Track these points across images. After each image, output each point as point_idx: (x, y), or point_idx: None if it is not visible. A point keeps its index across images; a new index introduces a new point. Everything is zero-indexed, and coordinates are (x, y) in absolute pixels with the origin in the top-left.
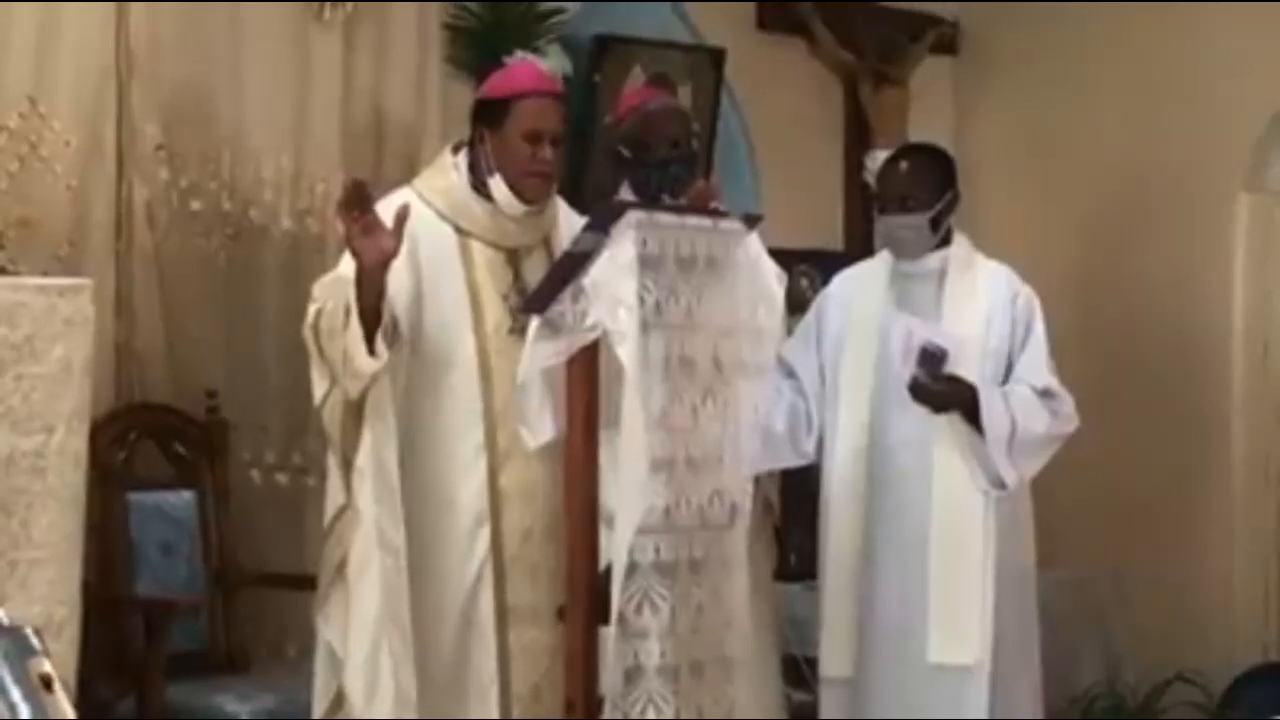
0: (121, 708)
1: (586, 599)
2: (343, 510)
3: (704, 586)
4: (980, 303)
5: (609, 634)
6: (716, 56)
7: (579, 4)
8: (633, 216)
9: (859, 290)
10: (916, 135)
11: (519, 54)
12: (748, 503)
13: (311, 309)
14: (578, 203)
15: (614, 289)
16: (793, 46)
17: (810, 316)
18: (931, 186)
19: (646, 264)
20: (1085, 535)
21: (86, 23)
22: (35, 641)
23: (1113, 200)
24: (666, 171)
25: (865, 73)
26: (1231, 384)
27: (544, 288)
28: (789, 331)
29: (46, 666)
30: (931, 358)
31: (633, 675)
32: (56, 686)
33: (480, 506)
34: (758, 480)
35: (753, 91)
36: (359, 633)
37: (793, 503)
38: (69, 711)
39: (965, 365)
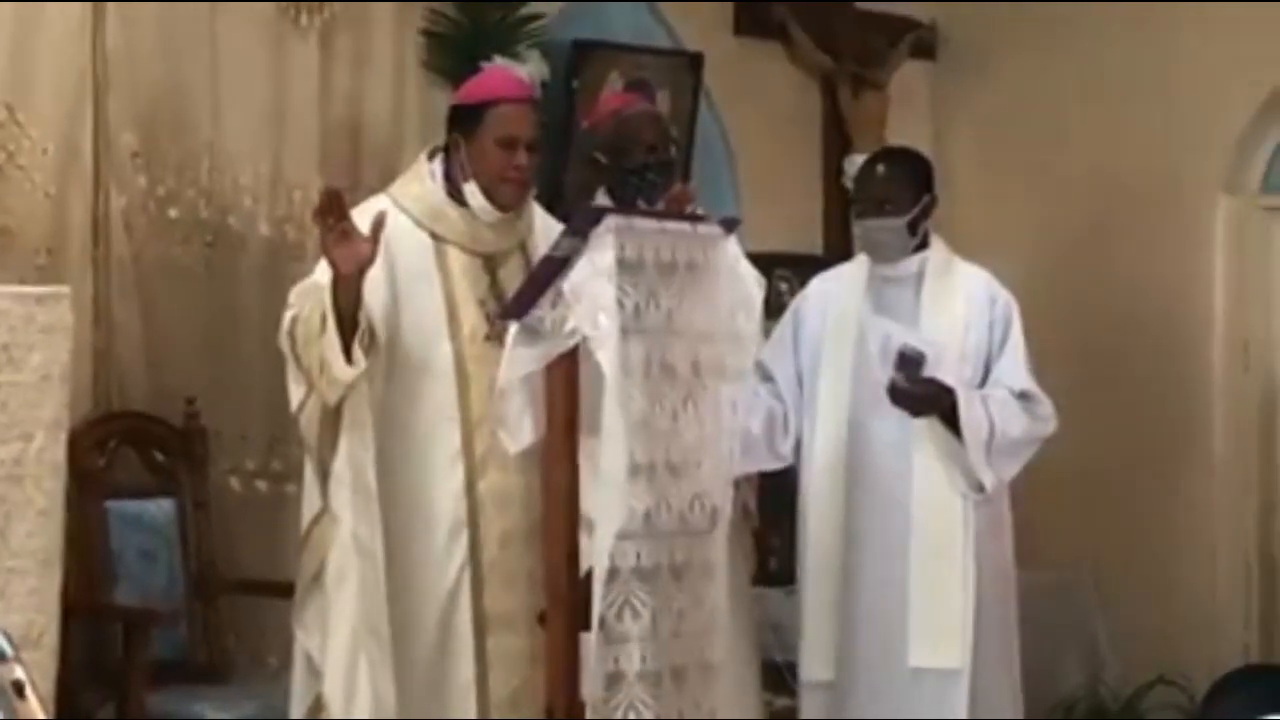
0: (101, 716)
1: (567, 604)
2: (319, 517)
3: (685, 591)
4: (958, 306)
5: (590, 639)
6: (694, 61)
7: (557, 10)
8: (611, 221)
9: (837, 294)
10: (895, 139)
11: (496, 59)
12: (728, 507)
13: (288, 316)
14: (557, 208)
15: (593, 294)
16: (771, 51)
17: (787, 320)
18: (909, 190)
19: (625, 269)
20: (1066, 538)
21: (62, 30)
22: (7, 647)
23: (1092, 203)
24: (643, 177)
25: (844, 77)
26: (1212, 386)
27: (523, 293)
28: (767, 335)
29: (19, 672)
30: (910, 361)
31: (614, 681)
32: (29, 692)
33: (458, 513)
34: (736, 485)
35: (731, 96)
36: (337, 639)
37: (774, 507)
38: (40, 714)
39: (943, 369)
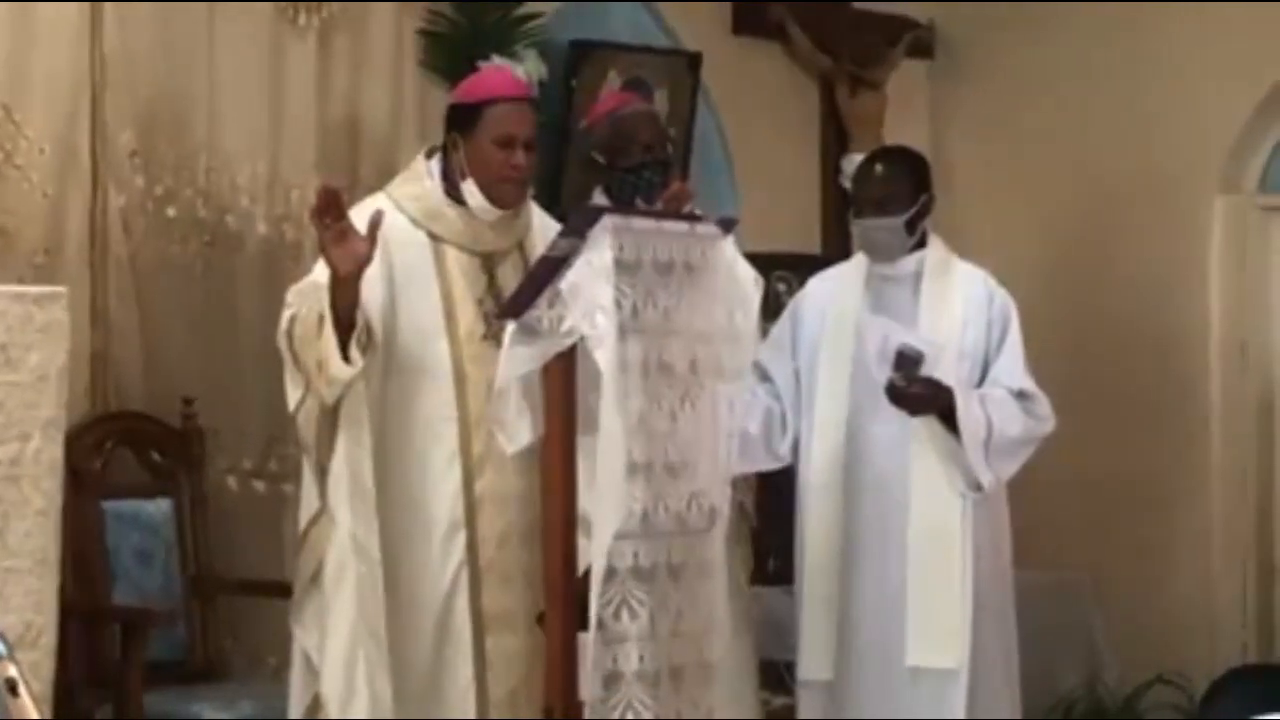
0: (99, 716)
1: (565, 604)
2: (317, 517)
3: (682, 591)
4: (956, 305)
5: (588, 640)
6: (693, 60)
7: (555, 9)
8: (609, 221)
9: (835, 293)
10: (893, 138)
11: (494, 59)
12: (726, 507)
13: (285, 315)
14: (555, 208)
15: (591, 294)
16: (769, 50)
17: (785, 320)
18: (907, 189)
19: (623, 268)
20: (1064, 537)
21: (60, 29)
22: (1, 646)
23: (1089, 203)
24: (640, 176)
25: (841, 76)
26: (1209, 386)
27: (520, 293)
28: (764, 335)
29: (12, 671)
30: (908, 361)
31: (612, 681)
32: (22, 691)
33: (455, 513)
34: (734, 484)
35: (729, 95)
36: (335, 639)
37: (772, 506)
38: (33, 712)
39: (942, 368)
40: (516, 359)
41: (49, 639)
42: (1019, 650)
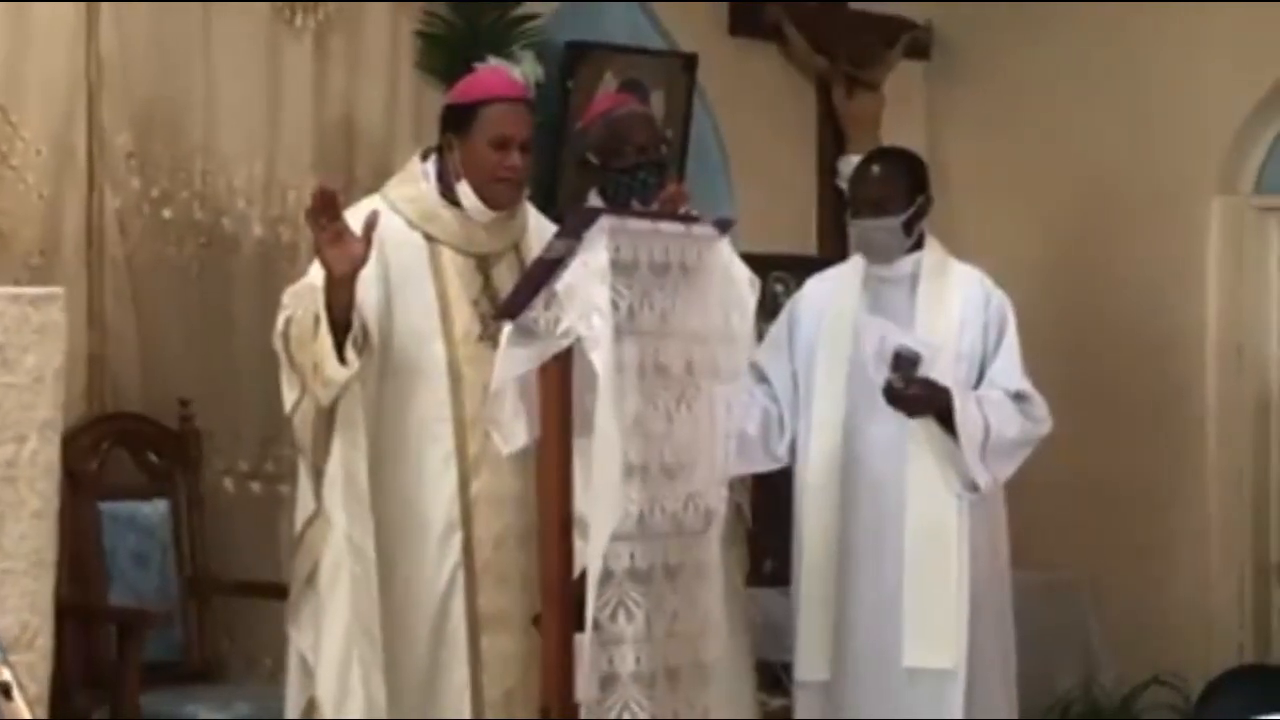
0: (96, 717)
1: (561, 606)
2: (313, 518)
3: (679, 592)
4: (953, 306)
5: (584, 641)
6: (689, 61)
7: (552, 10)
8: (605, 222)
9: (832, 294)
10: (889, 139)
11: (490, 60)
12: (722, 508)
13: (281, 317)
14: (550, 209)
15: (587, 295)
16: (765, 51)
17: (782, 321)
18: (904, 190)
19: (619, 269)
20: (1061, 538)
21: (56, 31)
22: None
23: (1086, 204)
24: (634, 178)
25: (838, 77)
26: (1205, 387)
27: (517, 294)
28: (760, 336)
29: (6, 674)
30: (905, 362)
31: (608, 682)
32: (16, 694)
33: (451, 514)
34: (730, 486)
35: (726, 96)
36: (330, 640)
37: (771, 507)
38: (25, 714)
39: (939, 369)
40: (513, 360)
41: (45, 640)
42: (1016, 651)
